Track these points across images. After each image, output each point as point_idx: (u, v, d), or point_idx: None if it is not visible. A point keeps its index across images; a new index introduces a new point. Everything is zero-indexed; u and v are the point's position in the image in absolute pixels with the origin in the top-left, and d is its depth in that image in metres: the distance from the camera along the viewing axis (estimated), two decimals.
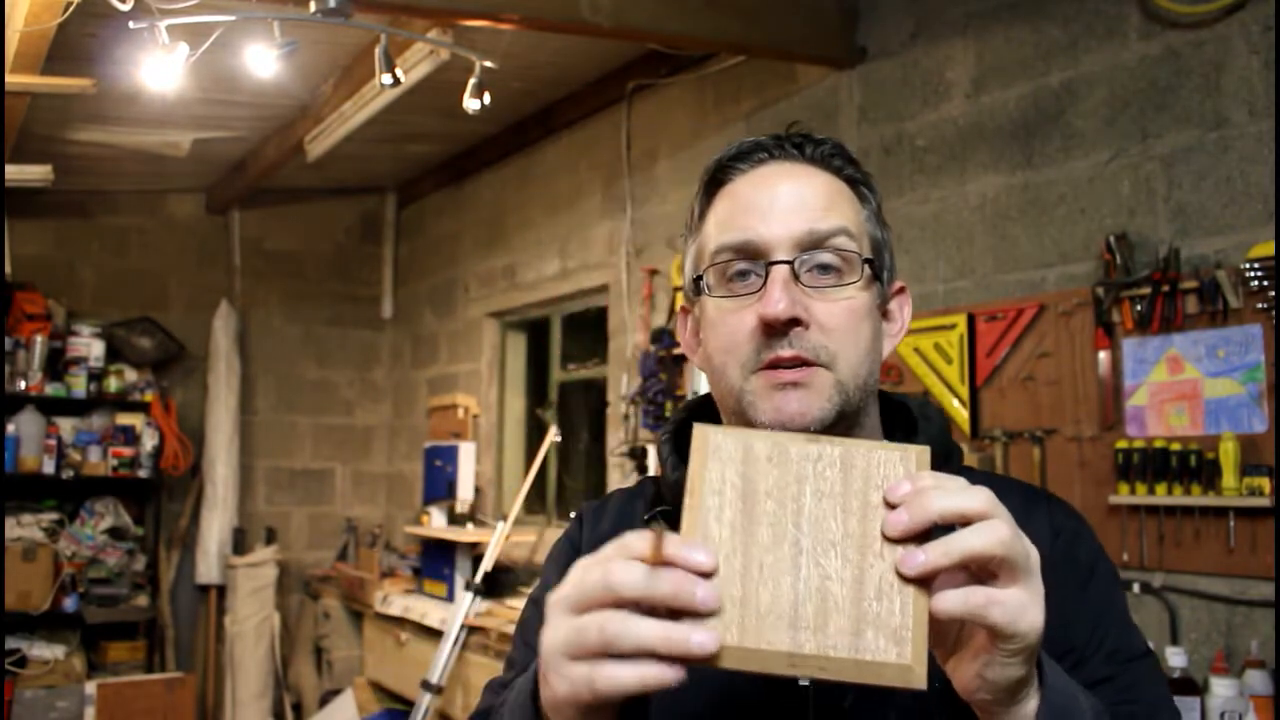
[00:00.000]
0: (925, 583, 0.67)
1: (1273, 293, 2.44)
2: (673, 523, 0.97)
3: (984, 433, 3.04)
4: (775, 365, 0.91)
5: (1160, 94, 2.72)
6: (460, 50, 3.51)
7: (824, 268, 0.93)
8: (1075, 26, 2.91)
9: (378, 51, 3.34)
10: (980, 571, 0.68)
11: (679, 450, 1.02)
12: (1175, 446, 2.59)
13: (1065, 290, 2.88)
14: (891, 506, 0.67)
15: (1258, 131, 2.52)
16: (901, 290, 1.04)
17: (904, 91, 3.37)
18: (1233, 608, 2.52)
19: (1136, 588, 2.67)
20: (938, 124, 3.26)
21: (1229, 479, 2.48)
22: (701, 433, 0.70)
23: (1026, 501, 1.00)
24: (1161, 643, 2.58)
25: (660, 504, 1.01)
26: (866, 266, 0.95)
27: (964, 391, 3.09)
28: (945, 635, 0.72)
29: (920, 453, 0.70)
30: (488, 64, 3.48)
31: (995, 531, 0.66)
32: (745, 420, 0.93)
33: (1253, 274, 2.47)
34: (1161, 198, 2.70)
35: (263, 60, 3.23)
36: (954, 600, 0.66)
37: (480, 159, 5.57)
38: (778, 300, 0.89)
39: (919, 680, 0.64)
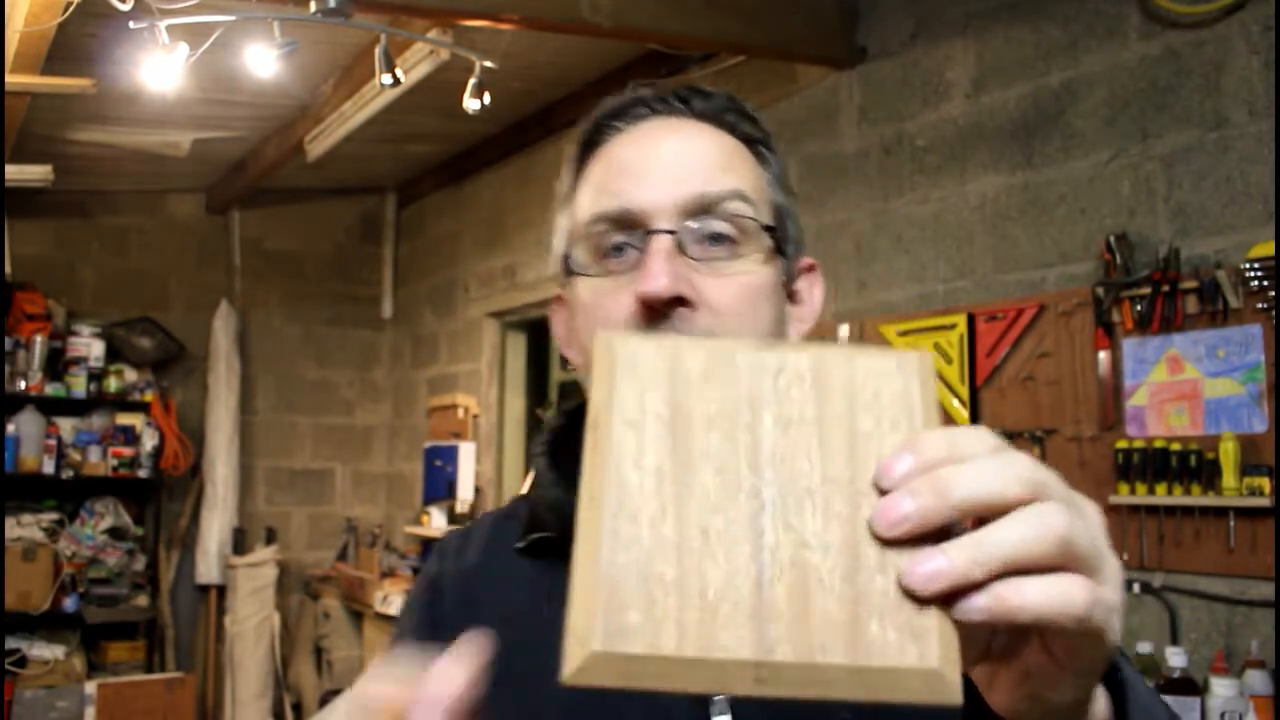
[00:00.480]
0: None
1: (1273, 293, 2.44)
2: (556, 549, 0.76)
3: None
4: None
5: (1160, 94, 2.72)
6: (460, 50, 3.51)
7: (716, 238, 0.79)
8: (1075, 26, 2.91)
9: (378, 51, 3.35)
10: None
11: (559, 466, 0.86)
12: (1175, 446, 2.59)
13: (1065, 290, 2.88)
14: (883, 493, 0.44)
15: (1258, 131, 2.52)
16: (811, 268, 0.90)
17: (904, 91, 3.37)
18: (1233, 608, 2.52)
19: (1137, 588, 2.66)
20: (938, 124, 3.26)
21: (1229, 479, 2.48)
22: (606, 344, 0.49)
23: None
24: (1161, 643, 2.58)
25: (538, 529, 0.84)
26: (767, 236, 0.80)
27: (964, 391, 3.09)
28: (978, 639, 0.49)
29: (923, 360, 0.49)
30: (488, 64, 3.48)
31: (1047, 521, 0.44)
32: None
33: (1253, 274, 2.47)
34: (1161, 198, 2.70)
35: (263, 60, 3.23)
36: (1038, 593, 0.43)
37: (480, 159, 5.57)
38: (658, 275, 0.75)
39: (951, 692, 0.42)
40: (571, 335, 0.87)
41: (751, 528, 0.44)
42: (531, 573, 0.83)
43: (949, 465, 0.44)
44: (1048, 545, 0.43)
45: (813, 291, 0.90)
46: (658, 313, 0.76)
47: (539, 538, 0.83)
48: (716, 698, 0.74)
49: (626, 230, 0.80)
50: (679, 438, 0.46)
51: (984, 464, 0.44)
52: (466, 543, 0.93)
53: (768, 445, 0.46)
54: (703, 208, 0.79)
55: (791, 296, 0.87)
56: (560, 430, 0.90)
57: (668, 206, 0.78)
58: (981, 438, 0.46)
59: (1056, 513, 0.44)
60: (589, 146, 0.87)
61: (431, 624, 0.87)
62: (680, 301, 0.76)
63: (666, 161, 0.80)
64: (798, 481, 0.45)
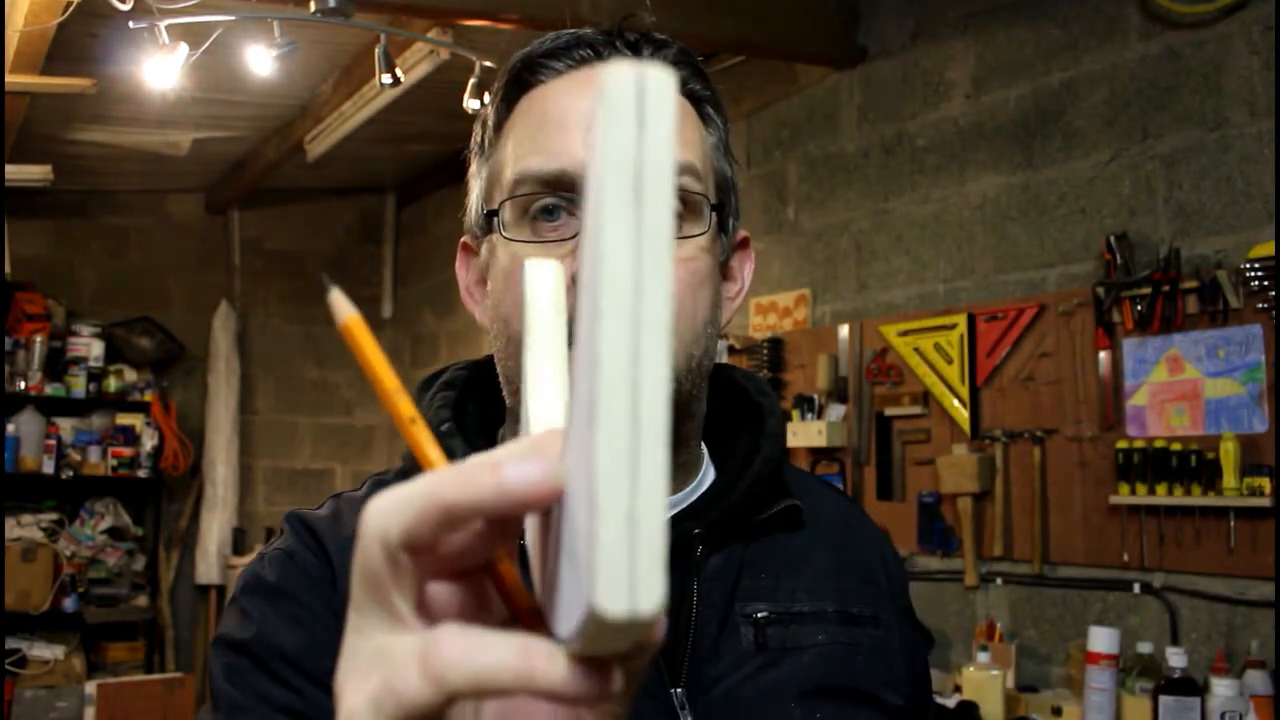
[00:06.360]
0: None
1: (1273, 293, 2.44)
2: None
3: (984, 433, 3.04)
4: None
5: (1160, 94, 2.72)
6: (460, 50, 3.50)
7: None
8: (1075, 26, 2.91)
9: (378, 51, 3.34)
10: None
11: (469, 438, 0.77)
12: (1176, 447, 2.59)
13: (1065, 290, 2.88)
14: None
15: (1258, 131, 2.52)
16: (745, 242, 0.83)
17: (904, 91, 3.37)
18: (1233, 608, 2.52)
19: (1137, 588, 2.66)
20: (938, 124, 3.26)
21: (1229, 479, 2.48)
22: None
23: (865, 519, 0.90)
24: (1161, 643, 2.58)
25: None
26: (713, 214, 0.74)
27: (964, 391, 3.09)
28: None
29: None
30: (488, 64, 3.48)
31: None
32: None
33: (1253, 274, 2.47)
34: (1161, 198, 2.70)
35: (263, 60, 3.23)
36: None
37: None
38: None
39: None
40: (483, 294, 0.79)
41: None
42: None
43: None
44: None
45: (744, 267, 0.84)
46: None
47: None
48: (676, 690, 0.72)
49: (560, 193, 0.72)
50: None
51: None
52: (318, 530, 0.80)
53: None
54: None
55: (725, 274, 0.81)
56: (458, 404, 0.81)
57: None
58: None
59: None
60: (518, 87, 0.78)
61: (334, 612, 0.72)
62: None
63: None
64: None
